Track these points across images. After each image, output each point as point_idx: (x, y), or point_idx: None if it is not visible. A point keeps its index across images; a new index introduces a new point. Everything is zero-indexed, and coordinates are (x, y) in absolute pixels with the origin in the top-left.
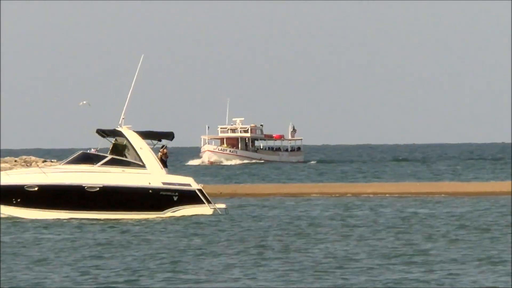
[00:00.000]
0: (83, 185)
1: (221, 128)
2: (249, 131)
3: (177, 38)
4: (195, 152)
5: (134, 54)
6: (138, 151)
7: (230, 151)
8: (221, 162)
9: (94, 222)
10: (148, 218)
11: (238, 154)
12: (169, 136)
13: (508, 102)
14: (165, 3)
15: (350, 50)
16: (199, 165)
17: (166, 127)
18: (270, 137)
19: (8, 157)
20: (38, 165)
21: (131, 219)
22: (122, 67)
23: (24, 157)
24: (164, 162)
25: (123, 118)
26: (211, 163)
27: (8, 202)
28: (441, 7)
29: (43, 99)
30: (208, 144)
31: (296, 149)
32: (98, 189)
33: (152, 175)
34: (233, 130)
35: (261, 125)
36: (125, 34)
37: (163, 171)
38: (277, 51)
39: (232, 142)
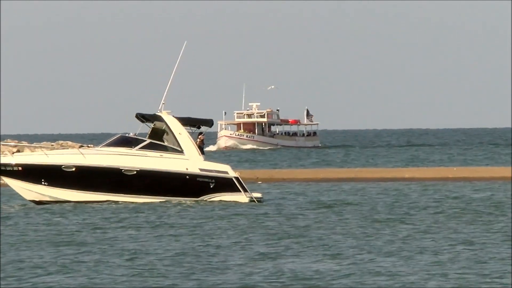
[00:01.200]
0: (120, 168)
1: (237, 114)
2: (265, 116)
3: (192, 25)
4: (212, 137)
5: (174, 40)
6: (176, 137)
7: (247, 136)
8: (237, 147)
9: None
10: (185, 203)
11: (255, 139)
12: (209, 123)
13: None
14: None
15: (366, 35)
16: (215, 150)
17: (182, 112)
18: (286, 122)
19: (44, 142)
20: (76, 148)
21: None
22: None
23: (60, 142)
24: (201, 148)
25: (163, 104)
26: (226, 148)
27: (46, 183)
28: None
29: (83, 84)
30: (225, 129)
31: (312, 134)
32: (135, 172)
33: (189, 161)
34: (250, 115)
35: (277, 110)
36: (165, 19)
37: (201, 157)
38: (291, 36)
39: (249, 127)
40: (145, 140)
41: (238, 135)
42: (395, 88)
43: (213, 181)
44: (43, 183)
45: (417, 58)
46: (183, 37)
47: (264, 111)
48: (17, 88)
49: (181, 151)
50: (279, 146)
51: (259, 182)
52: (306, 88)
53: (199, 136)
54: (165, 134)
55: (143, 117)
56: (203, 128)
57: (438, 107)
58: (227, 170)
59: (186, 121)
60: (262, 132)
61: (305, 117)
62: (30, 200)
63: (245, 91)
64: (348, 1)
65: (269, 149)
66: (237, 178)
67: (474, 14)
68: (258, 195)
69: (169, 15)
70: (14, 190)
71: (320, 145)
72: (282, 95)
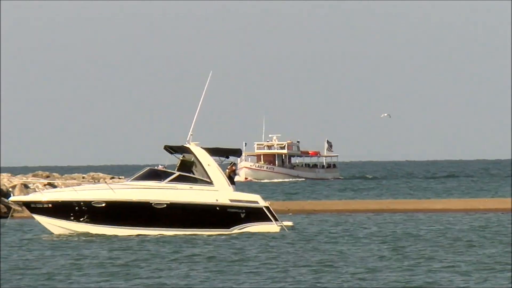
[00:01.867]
0: (151, 202)
1: (257, 145)
2: (285, 147)
3: (216, 57)
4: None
5: (201, 70)
6: (205, 168)
7: (267, 167)
8: (258, 179)
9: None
10: (215, 235)
11: (275, 171)
12: (237, 152)
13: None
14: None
15: (382, 67)
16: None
17: (205, 143)
18: (306, 154)
19: (76, 174)
20: (105, 182)
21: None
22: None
23: (92, 173)
24: (232, 179)
25: (191, 135)
26: (246, 179)
27: (76, 219)
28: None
29: (110, 116)
30: (245, 161)
31: (332, 166)
32: (165, 205)
33: (219, 192)
34: (270, 147)
35: (298, 142)
36: (189, 50)
37: (230, 188)
38: (311, 69)
39: (269, 159)
40: (174, 173)
41: (258, 166)
42: (414, 120)
43: (244, 211)
44: (73, 219)
45: (437, 88)
46: (207, 67)
47: (285, 143)
48: (47, 119)
49: (210, 183)
50: (302, 178)
51: (290, 214)
52: (325, 120)
53: (229, 167)
54: (194, 165)
55: (171, 149)
56: (232, 158)
57: (458, 138)
58: (258, 200)
59: (215, 152)
60: (282, 164)
61: (325, 149)
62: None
63: (265, 122)
64: (364, 36)
65: (289, 181)
66: (267, 208)
67: None
68: (289, 223)
69: (193, 46)
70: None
71: (340, 177)
72: (302, 126)
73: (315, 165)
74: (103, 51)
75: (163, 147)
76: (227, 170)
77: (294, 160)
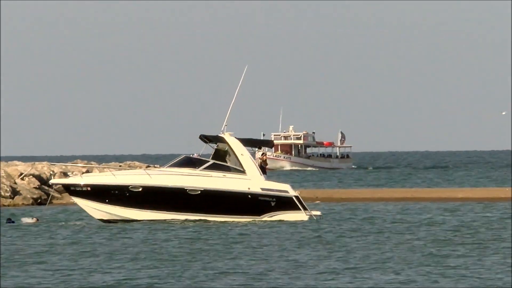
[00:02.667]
0: (185, 188)
1: (274, 136)
2: (301, 138)
3: (250, 51)
4: None
5: (236, 63)
6: (239, 157)
7: (284, 157)
8: (275, 168)
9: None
10: (246, 222)
11: (291, 160)
12: (269, 143)
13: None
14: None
15: (397, 59)
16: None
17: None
18: (321, 144)
19: (113, 162)
20: (143, 169)
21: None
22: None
23: (128, 162)
24: (263, 168)
25: (225, 125)
26: None
27: (114, 203)
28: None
29: (146, 106)
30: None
31: (345, 156)
32: (199, 192)
33: (251, 180)
34: (286, 137)
35: (313, 133)
36: (227, 43)
37: (262, 177)
38: (326, 64)
39: (286, 149)
40: (209, 161)
41: (275, 156)
42: (424, 112)
43: (274, 199)
44: (110, 202)
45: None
46: (239, 62)
47: (301, 134)
48: (86, 110)
49: (243, 171)
50: (316, 168)
51: (318, 202)
52: (340, 111)
53: (262, 156)
54: (228, 155)
55: (206, 139)
56: (263, 149)
57: (463, 130)
58: (287, 189)
59: (247, 142)
60: (298, 154)
61: (339, 140)
62: (98, 219)
63: (282, 114)
64: (385, 22)
65: (303, 170)
66: (297, 197)
67: None
68: (318, 213)
69: (226, 41)
70: (81, 208)
71: (353, 166)
72: (318, 118)
73: (329, 155)
74: (143, 44)
75: (198, 136)
76: (259, 160)
77: (310, 150)
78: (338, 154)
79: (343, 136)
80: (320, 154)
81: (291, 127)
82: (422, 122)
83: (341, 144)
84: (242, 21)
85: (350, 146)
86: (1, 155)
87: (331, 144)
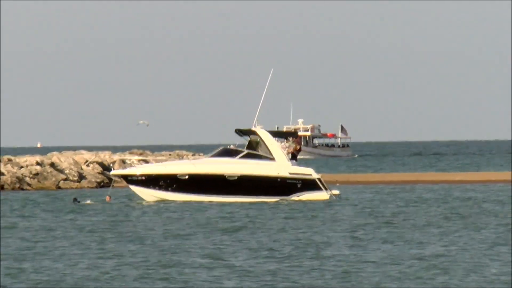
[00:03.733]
0: (225, 174)
1: (286, 128)
2: (309, 130)
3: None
4: None
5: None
6: (269, 147)
7: None
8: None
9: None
10: (277, 201)
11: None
12: (294, 134)
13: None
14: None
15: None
16: None
17: (248, 125)
18: (325, 136)
19: (164, 151)
20: (188, 158)
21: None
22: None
23: (177, 151)
24: (295, 156)
25: (256, 120)
26: None
27: (164, 188)
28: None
29: (192, 103)
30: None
31: (346, 146)
32: (236, 177)
33: (280, 166)
34: (296, 130)
35: (319, 125)
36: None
37: (289, 163)
38: (331, 64)
39: (296, 140)
40: (244, 151)
41: (287, 145)
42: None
43: (300, 182)
44: (161, 188)
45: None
46: (268, 64)
47: (309, 126)
48: (146, 106)
49: (273, 159)
50: (320, 156)
51: (337, 184)
52: (341, 107)
53: (295, 146)
54: (260, 145)
55: (241, 132)
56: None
57: (451, 120)
58: (311, 173)
59: (276, 134)
60: (307, 144)
61: (340, 131)
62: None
63: (293, 109)
64: (389, 17)
65: (309, 158)
66: (319, 179)
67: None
68: (337, 192)
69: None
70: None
71: (353, 155)
72: (323, 112)
73: (332, 145)
74: (187, 46)
75: (234, 130)
76: (292, 148)
77: (315, 141)
78: (339, 144)
79: (343, 128)
80: (325, 144)
81: (300, 121)
82: (414, 114)
83: (342, 136)
84: (259, 22)
85: (350, 137)
86: (69, 144)
87: (333, 136)
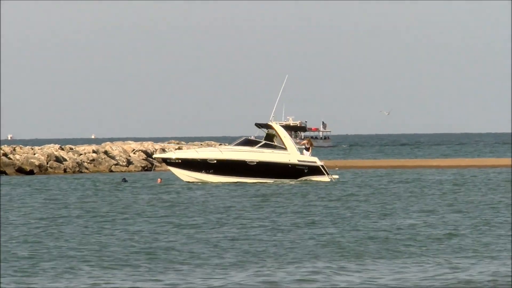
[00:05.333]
0: (246, 160)
1: (279, 124)
2: (298, 125)
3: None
4: None
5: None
6: (282, 139)
7: None
8: None
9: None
10: (289, 183)
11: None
12: (303, 128)
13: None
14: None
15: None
16: None
17: (251, 120)
18: (310, 130)
19: (196, 142)
20: (216, 147)
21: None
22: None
23: (206, 141)
24: (308, 149)
25: (273, 116)
26: None
27: (197, 170)
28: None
29: (215, 98)
30: None
31: (327, 138)
32: (255, 163)
33: (291, 155)
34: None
35: (306, 121)
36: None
37: (298, 152)
38: (315, 67)
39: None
40: (262, 141)
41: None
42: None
43: (307, 168)
44: (194, 170)
45: (421, 64)
46: (284, 67)
47: (297, 122)
48: (179, 103)
49: (285, 149)
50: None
51: (337, 169)
52: (324, 104)
53: (308, 140)
54: (275, 137)
55: (259, 125)
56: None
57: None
58: (316, 161)
59: (288, 128)
60: (296, 137)
61: (321, 126)
62: (186, 181)
63: (285, 106)
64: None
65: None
66: (322, 166)
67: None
68: (336, 176)
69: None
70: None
71: (332, 145)
72: (308, 110)
73: (316, 137)
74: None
75: (254, 124)
76: (306, 143)
77: (302, 134)
78: (321, 136)
79: (323, 124)
80: (310, 136)
81: (290, 118)
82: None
83: (322, 129)
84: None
85: (330, 131)
86: (119, 136)
87: (316, 129)
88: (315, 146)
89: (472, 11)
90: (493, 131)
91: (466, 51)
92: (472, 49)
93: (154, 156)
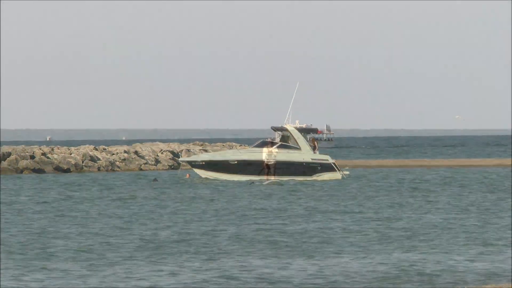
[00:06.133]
0: (264, 160)
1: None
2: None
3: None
4: None
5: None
6: (296, 140)
7: None
8: None
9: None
10: (303, 180)
11: None
12: (315, 130)
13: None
14: None
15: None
16: None
17: (261, 124)
18: (315, 132)
19: (218, 143)
20: (237, 148)
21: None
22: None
23: (228, 142)
24: (315, 147)
25: (287, 119)
26: None
27: (219, 170)
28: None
29: (236, 103)
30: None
31: (330, 140)
32: (273, 162)
33: (305, 154)
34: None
35: (311, 124)
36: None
37: (311, 151)
38: (320, 72)
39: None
40: (278, 143)
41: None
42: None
43: (320, 165)
44: (217, 171)
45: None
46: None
47: (304, 125)
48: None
49: (299, 149)
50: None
51: (347, 167)
52: (328, 108)
53: (312, 139)
54: (290, 138)
55: (275, 128)
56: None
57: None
58: (328, 159)
59: (301, 130)
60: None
61: (325, 129)
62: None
63: (291, 110)
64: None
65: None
66: (334, 163)
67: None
68: (347, 173)
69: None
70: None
71: (334, 146)
72: (314, 114)
73: (320, 139)
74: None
75: (270, 127)
76: (313, 142)
77: (308, 136)
78: (325, 138)
79: (327, 126)
80: (315, 138)
81: (297, 121)
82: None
83: (326, 132)
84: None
85: (333, 133)
86: (148, 138)
87: (321, 132)
88: (319, 147)
89: (472, 11)
90: None
91: (467, 51)
92: (472, 49)
93: (180, 159)
